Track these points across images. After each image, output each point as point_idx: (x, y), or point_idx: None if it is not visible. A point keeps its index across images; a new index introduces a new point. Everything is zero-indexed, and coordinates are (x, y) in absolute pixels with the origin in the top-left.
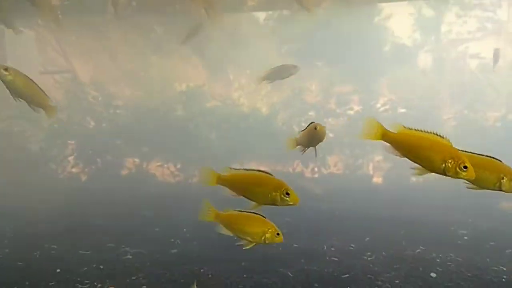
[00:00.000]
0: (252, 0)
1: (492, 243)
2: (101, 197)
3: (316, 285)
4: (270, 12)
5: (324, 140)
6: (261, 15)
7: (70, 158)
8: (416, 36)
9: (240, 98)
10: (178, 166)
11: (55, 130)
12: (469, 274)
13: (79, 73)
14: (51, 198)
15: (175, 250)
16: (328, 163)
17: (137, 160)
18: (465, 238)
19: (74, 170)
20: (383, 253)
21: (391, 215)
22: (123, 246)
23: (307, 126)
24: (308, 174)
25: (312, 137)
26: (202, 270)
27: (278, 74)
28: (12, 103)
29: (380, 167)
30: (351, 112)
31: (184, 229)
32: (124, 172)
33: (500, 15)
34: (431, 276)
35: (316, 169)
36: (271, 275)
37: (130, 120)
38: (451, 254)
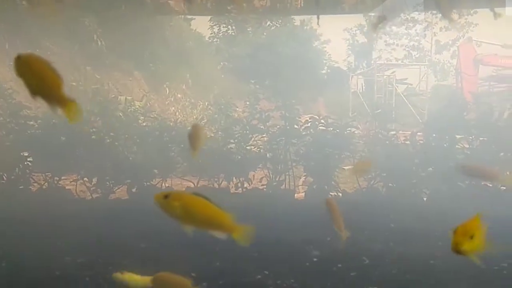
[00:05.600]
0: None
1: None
2: None
3: None
4: (215, 31)
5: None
6: (207, 33)
7: None
8: (350, 60)
9: (176, 113)
10: (94, 181)
11: None
12: None
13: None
14: None
15: None
16: (252, 178)
17: (49, 174)
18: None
19: None
20: None
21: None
22: None
23: None
24: (232, 189)
25: None
26: None
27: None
28: None
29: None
30: (274, 129)
31: None
32: (34, 188)
33: (424, 44)
34: None
35: (239, 184)
36: None
37: (41, 131)
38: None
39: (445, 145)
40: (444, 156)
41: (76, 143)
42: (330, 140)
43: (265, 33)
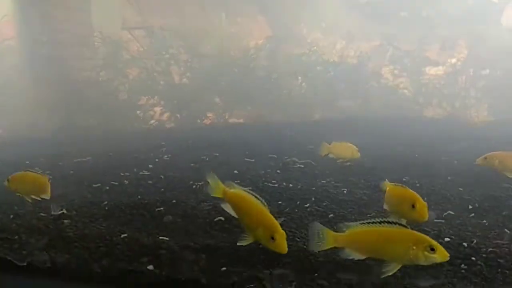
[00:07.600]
0: None
1: None
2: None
3: None
4: None
5: None
6: None
7: (156, 108)
8: None
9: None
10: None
11: (141, 80)
12: None
13: (155, 28)
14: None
15: None
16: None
17: (220, 109)
18: None
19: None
20: None
21: None
22: (285, 157)
23: None
24: None
25: None
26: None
27: None
28: (98, 52)
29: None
30: (453, 60)
31: None
32: (207, 122)
33: None
34: None
35: None
36: None
37: (213, 70)
38: None
39: None
40: None
41: (245, 81)
42: None
43: None
